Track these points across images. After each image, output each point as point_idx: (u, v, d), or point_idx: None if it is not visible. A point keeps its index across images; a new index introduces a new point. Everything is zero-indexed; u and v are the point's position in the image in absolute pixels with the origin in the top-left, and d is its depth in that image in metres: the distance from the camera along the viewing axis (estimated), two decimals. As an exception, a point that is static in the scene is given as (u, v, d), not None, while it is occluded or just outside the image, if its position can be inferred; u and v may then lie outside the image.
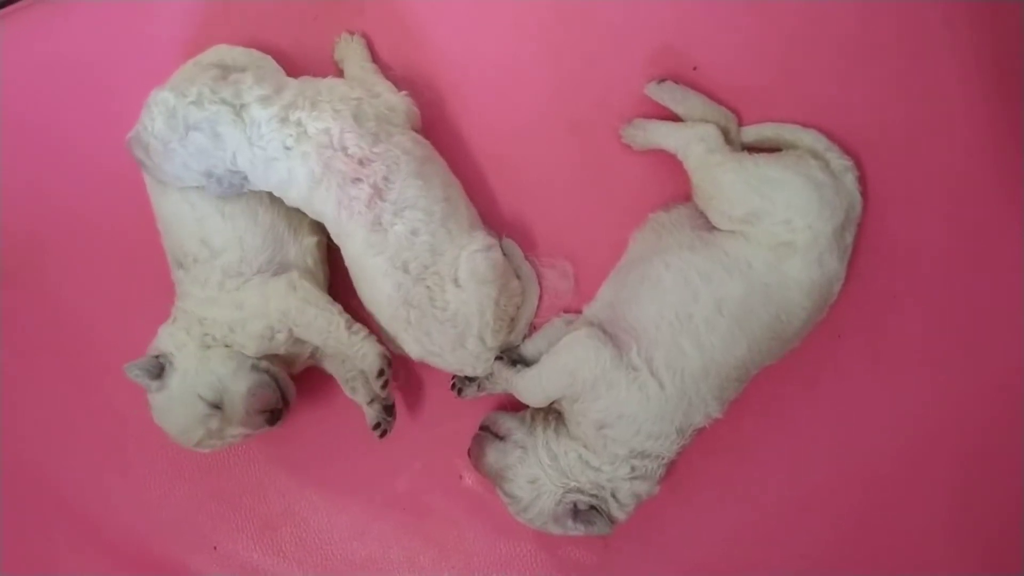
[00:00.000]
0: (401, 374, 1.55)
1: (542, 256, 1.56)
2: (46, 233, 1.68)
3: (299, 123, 1.32)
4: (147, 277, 1.57)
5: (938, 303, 1.49)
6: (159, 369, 1.40)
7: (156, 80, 1.46)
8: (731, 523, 1.52)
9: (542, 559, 1.55)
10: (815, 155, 1.41)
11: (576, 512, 1.35)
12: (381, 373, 1.41)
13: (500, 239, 1.50)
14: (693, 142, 1.42)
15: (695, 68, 1.52)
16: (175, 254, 1.44)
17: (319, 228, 1.46)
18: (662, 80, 1.49)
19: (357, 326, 1.42)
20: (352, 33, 1.56)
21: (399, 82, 1.50)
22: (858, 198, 1.41)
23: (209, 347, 1.40)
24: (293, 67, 1.54)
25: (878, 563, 1.50)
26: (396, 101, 1.43)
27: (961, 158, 1.48)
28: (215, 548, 1.63)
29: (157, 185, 1.43)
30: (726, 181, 1.37)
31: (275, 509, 1.62)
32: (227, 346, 1.41)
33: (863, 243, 1.47)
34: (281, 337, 1.42)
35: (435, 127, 1.54)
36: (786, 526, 1.51)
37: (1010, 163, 1.48)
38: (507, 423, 1.44)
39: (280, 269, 1.42)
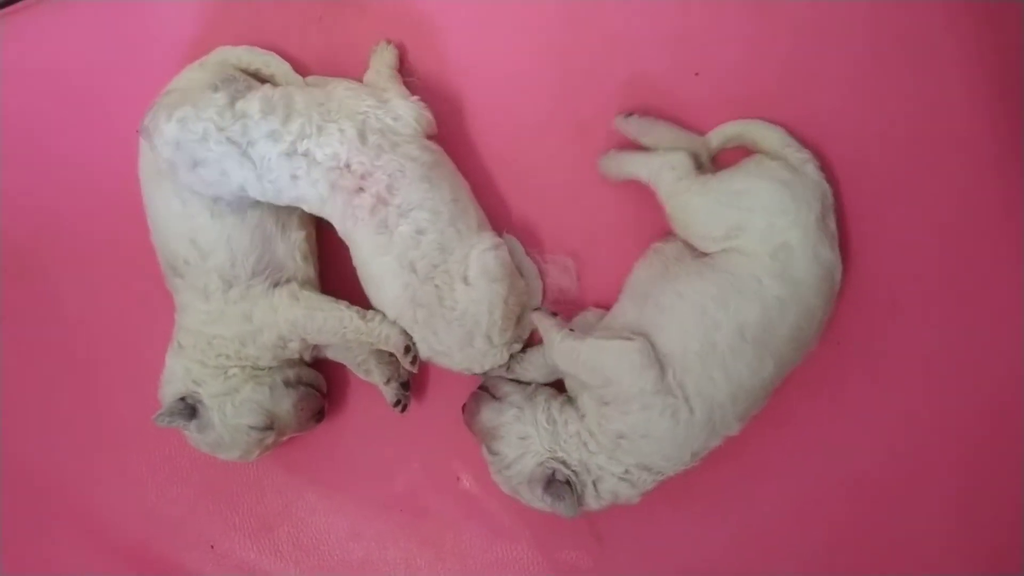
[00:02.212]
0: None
1: (543, 252, 1.56)
2: (47, 234, 1.69)
3: (307, 153, 1.32)
4: (148, 278, 1.56)
5: (939, 310, 1.49)
6: (191, 410, 1.41)
7: (158, 81, 1.47)
8: (728, 529, 1.52)
9: (537, 561, 1.54)
10: (773, 155, 1.42)
11: (550, 482, 1.35)
12: (408, 350, 1.41)
13: (501, 236, 1.50)
14: (664, 170, 1.42)
15: (697, 73, 1.53)
16: (167, 257, 1.43)
17: (306, 222, 1.46)
18: (629, 114, 1.49)
19: (370, 313, 1.42)
20: (389, 42, 1.55)
21: (414, 87, 1.49)
22: (826, 185, 1.40)
23: (228, 373, 1.42)
24: (298, 69, 1.55)
25: (877, 567, 1.49)
26: (404, 109, 1.41)
27: (965, 164, 1.48)
28: (212, 547, 1.63)
29: (150, 177, 1.43)
30: (697, 204, 1.37)
31: (273, 509, 1.62)
32: (242, 367, 1.42)
33: (864, 249, 1.47)
34: (294, 346, 1.44)
35: (439, 128, 1.55)
36: (783, 531, 1.50)
37: (1013, 170, 1.48)
38: (506, 387, 1.44)
39: (273, 271, 1.42)
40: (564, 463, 1.36)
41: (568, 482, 1.35)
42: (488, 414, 1.42)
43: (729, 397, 1.31)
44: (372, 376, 1.52)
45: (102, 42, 1.65)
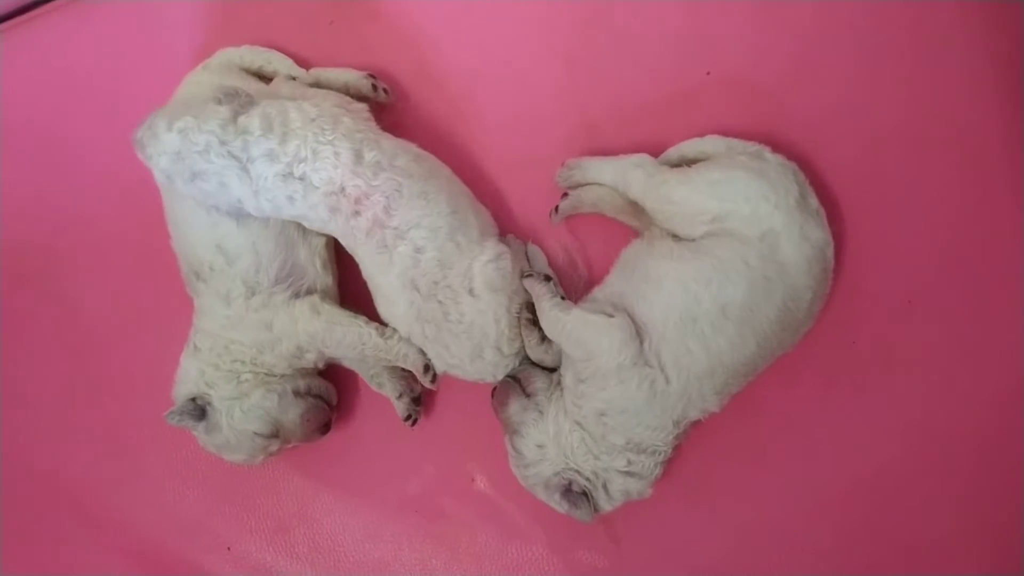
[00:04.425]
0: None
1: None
2: (57, 237, 1.70)
3: (303, 177, 1.31)
4: (161, 280, 1.58)
5: (953, 310, 1.48)
6: (200, 411, 1.43)
7: (169, 85, 1.48)
8: (742, 528, 1.51)
9: (553, 562, 1.55)
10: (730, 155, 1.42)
11: (567, 491, 1.36)
12: (427, 368, 1.43)
13: (525, 245, 1.52)
14: (630, 169, 1.43)
15: (708, 72, 1.52)
16: (190, 262, 1.43)
17: None
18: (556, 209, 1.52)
19: (389, 330, 1.43)
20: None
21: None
22: (792, 165, 1.40)
23: (240, 378, 1.43)
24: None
25: (883, 565, 1.49)
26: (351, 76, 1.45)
27: (976, 163, 1.47)
28: (229, 549, 1.64)
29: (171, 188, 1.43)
30: (679, 194, 1.37)
31: (289, 511, 1.63)
32: (255, 373, 1.43)
33: (877, 249, 1.47)
34: (310, 356, 1.45)
35: (447, 129, 1.55)
36: (797, 531, 1.50)
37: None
38: (537, 383, 1.43)
39: (295, 279, 1.43)
40: (578, 473, 1.37)
41: (584, 492, 1.36)
42: (515, 408, 1.42)
43: (707, 370, 1.31)
44: (384, 389, 1.53)
45: (113, 47, 1.67)
